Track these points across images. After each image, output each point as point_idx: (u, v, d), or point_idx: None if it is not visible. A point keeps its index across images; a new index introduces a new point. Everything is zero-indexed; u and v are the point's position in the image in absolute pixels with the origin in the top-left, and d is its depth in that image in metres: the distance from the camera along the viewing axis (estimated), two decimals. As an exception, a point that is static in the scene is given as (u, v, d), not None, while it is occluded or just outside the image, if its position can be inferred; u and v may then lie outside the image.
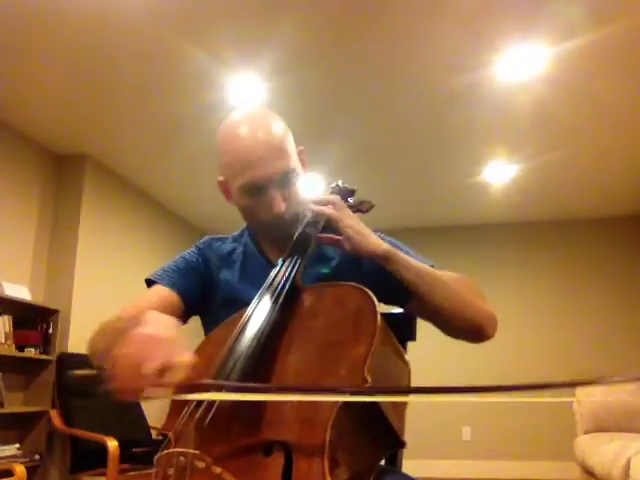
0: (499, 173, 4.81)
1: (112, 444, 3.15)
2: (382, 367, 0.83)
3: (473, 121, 3.93)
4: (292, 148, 1.11)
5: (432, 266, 1.12)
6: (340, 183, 1.24)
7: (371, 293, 0.88)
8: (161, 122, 3.99)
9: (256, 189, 1.05)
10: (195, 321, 1.22)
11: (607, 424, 3.73)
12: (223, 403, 0.78)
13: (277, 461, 0.72)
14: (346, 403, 0.74)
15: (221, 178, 1.13)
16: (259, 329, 0.88)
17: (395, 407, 0.84)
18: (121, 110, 3.84)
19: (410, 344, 1.21)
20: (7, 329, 3.71)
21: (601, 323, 5.61)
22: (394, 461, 1.11)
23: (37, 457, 3.77)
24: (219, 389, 0.76)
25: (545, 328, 5.72)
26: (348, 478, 0.77)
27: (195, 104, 3.69)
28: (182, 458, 0.68)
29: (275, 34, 3.01)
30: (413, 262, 1.03)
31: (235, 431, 0.78)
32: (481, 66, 3.27)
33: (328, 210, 1.04)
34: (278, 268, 1.01)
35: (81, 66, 3.31)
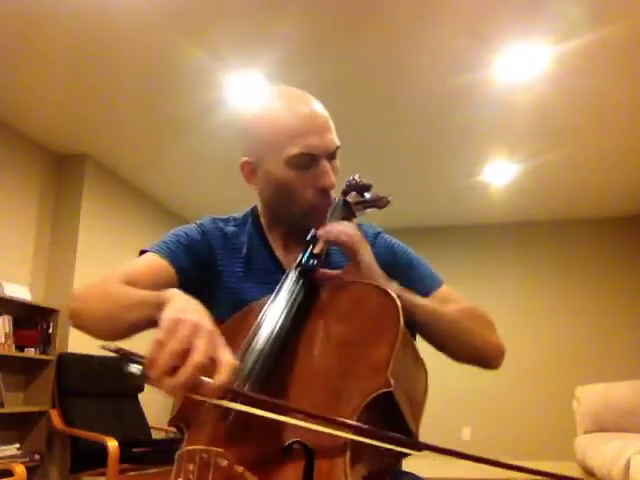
0: (499, 173, 4.81)
1: (112, 444, 3.14)
2: (403, 370, 0.81)
3: (473, 121, 3.93)
4: None
5: (441, 282, 1.09)
6: (357, 177, 1.17)
7: (394, 294, 0.85)
8: (161, 122, 3.99)
9: (310, 158, 0.97)
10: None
11: (607, 424, 3.73)
12: (244, 402, 0.76)
13: (298, 461, 0.71)
14: (368, 406, 0.73)
15: (246, 159, 1.03)
16: (278, 327, 0.84)
17: (413, 411, 0.83)
18: (121, 110, 3.83)
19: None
20: (7, 329, 3.71)
21: (601, 323, 5.60)
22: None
23: (37, 457, 3.76)
24: (236, 396, 0.73)
25: (545, 328, 5.72)
26: (367, 479, 0.76)
27: (195, 104, 3.69)
28: (205, 455, 0.68)
29: (275, 33, 3.01)
30: (417, 302, 0.96)
31: (256, 430, 0.76)
32: (481, 66, 3.26)
33: (351, 243, 0.93)
34: (297, 262, 0.96)
35: (81, 66, 3.31)
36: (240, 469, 0.67)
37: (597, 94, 3.55)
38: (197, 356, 0.65)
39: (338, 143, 1.01)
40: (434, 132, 4.12)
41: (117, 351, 0.69)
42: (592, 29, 2.92)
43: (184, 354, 0.65)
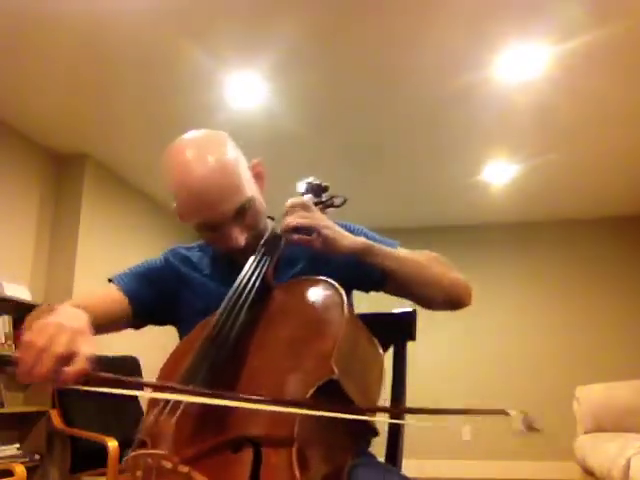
0: (499, 173, 4.81)
1: (112, 444, 3.15)
2: (351, 358, 0.83)
3: (473, 121, 3.93)
4: (244, 174, 1.09)
5: (398, 244, 1.16)
6: (312, 180, 1.23)
7: (338, 285, 0.89)
8: (161, 122, 3.99)
9: (212, 227, 1.07)
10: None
11: (607, 424, 3.73)
12: (190, 403, 0.78)
13: (246, 457, 0.72)
14: (315, 395, 0.75)
15: (175, 206, 1.13)
16: (229, 329, 0.88)
17: (365, 396, 0.84)
18: (121, 110, 3.83)
19: (410, 344, 1.20)
20: (7, 329, 3.71)
21: (601, 323, 5.60)
22: (394, 461, 1.11)
23: (37, 457, 3.77)
24: (182, 393, 0.76)
25: (545, 328, 5.72)
26: (319, 470, 0.76)
27: (195, 104, 3.69)
28: (149, 459, 0.69)
29: (275, 34, 3.01)
30: (390, 251, 1.06)
31: (204, 429, 0.78)
32: (481, 66, 3.27)
33: (302, 221, 1.00)
34: (247, 268, 1.01)
35: (81, 66, 3.31)
36: (185, 469, 0.67)
37: (597, 94, 3.55)
38: (56, 348, 0.74)
39: (237, 205, 1.04)
40: (434, 132, 4.12)
41: None
42: (592, 29, 2.92)
43: (45, 349, 0.74)
